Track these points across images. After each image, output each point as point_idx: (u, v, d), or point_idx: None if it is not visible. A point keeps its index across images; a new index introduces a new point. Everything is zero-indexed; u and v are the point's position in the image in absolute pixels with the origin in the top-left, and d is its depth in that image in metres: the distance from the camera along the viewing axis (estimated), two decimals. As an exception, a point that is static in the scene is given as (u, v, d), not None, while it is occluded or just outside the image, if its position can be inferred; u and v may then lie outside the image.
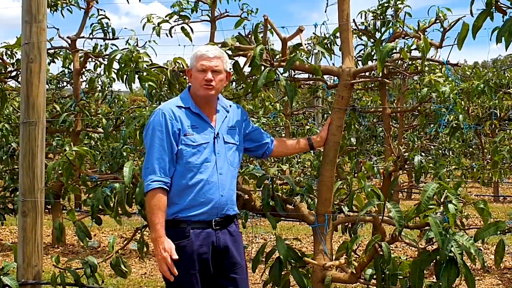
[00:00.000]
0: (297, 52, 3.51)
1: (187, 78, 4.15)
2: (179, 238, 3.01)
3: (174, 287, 3.04)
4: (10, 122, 7.47)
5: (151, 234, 3.00)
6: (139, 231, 4.06)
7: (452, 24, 3.84)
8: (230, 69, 3.32)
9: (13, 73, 7.26)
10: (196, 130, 3.08)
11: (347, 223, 3.89)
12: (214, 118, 3.18)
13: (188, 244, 3.01)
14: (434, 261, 2.95)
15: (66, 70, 9.04)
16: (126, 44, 6.38)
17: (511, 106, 9.46)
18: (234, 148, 3.22)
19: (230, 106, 3.31)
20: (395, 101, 8.30)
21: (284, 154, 3.72)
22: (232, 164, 3.18)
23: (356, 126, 6.71)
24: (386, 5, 5.98)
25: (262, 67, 3.42)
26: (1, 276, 3.87)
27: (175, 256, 2.93)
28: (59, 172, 4.55)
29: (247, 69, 3.52)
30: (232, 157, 3.19)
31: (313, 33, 5.54)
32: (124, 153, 6.04)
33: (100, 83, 8.64)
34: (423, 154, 8.46)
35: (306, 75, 3.98)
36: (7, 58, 7.14)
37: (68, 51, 7.82)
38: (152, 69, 4.02)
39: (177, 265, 2.96)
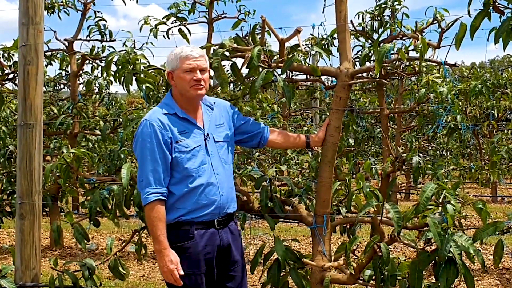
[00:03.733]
0: (295, 53, 3.51)
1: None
2: (184, 239, 3.01)
3: None
4: (7, 124, 7.46)
5: (154, 246, 2.99)
6: (137, 233, 4.05)
7: (450, 24, 3.82)
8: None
9: (10, 75, 7.26)
10: (186, 135, 3.06)
11: (345, 224, 3.88)
12: (201, 119, 3.17)
13: (192, 245, 3.01)
14: (433, 261, 2.95)
15: (63, 72, 9.03)
16: (123, 46, 6.37)
17: (509, 106, 9.46)
18: (225, 145, 3.21)
19: (215, 103, 3.29)
20: (393, 102, 8.30)
21: (279, 146, 3.65)
22: (226, 162, 3.18)
23: (354, 127, 6.71)
24: (383, 6, 5.98)
25: (260, 68, 3.42)
26: (-1, 279, 3.86)
27: (181, 272, 2.94)
28: (57, 174, 4.54)
29: (244, 70, 3.52)
30: (225, 155, 3.19)
31: (311, 34, 5.53)
32: (122, 155, 6.02)
33: (97, 85, 8.62)
34: (421, 155, 8.47)
35: (304, 76, 3.97)
36: (4, 60, 7.14)
37: (65, 53, 7.81)
38: (150, 71, 4.01)
39: (182, 266, 2.97)
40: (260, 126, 3.43)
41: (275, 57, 3.55)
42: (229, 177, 3.20)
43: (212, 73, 3.44)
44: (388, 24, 5.79)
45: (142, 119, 3.10)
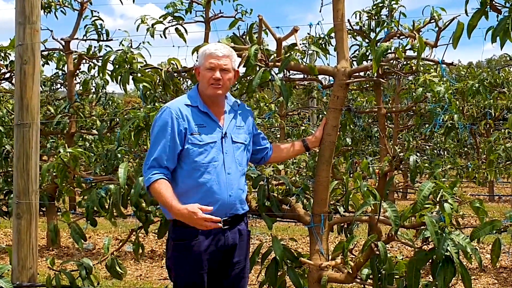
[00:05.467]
0: (292, 52, 3.51)
1: (181, 79, 4.14)
2: (188, 238, 3.00)
3: (182, 286, 3.05)
4: (4, 124, 7.44)
5: (173, 216, 2.93)
6: (134, 233, 4.05)
7: (447, 23, 3.82)
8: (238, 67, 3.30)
9: (7, 75, 7.25)
10: (203, 129, 3.06)
11: (343, 223, 3.88)
12: (222, 117, 3.16)
13: (196, 244, 3.00)
14: (431, 260, 2.96)
15: (60, 72, 9.02)
16: (120, 45, 6.37)
17: (506, 105, 9.47)
18: (243, 147, 3.19)
19: (239, 105, 3.29)
20: (390, 101, 8.30)
21: (280, 160, 3.69)
22: (240, 164, 3.16)
23: (351, 126, 6.71)
24: (380, 5, 5.98)
25: (257, 67, 3.42)
26: (-4, 279, 3.85)
27: (209, 208, 2.85)
28: (54, 174, 4.54)
29: (242, 70, 3.51)
30: (241, 157, 3.17)
31: (308, 33, 5.53)
32: (119, 155, 6.02)
33: (94, 84, 8.62)
34: (418, 154, 8.46)
35: (301, 76, 3.97)
36: (1, 59, 7.13)
37: (62, 52, 7.80)
38: (147, 70, 4.01)
39: (185, 264, 2.98)
40: (267, 142, 3.44)
41: (272, 56, 3.55)
42: (241, 179, 3.17)
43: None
44: (385, 23, 5.78)
45: (163, 106, 3.14)
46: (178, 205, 2.89)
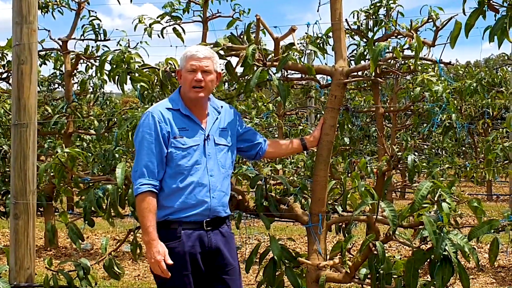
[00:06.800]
0: (290, 51, 3.50)
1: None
2: (170, 239, 3.00)
3: None
4: (1, 124, 7.43)
5: (143, 237, 2.99)
6: (132, 233, 4.04)
7: (444, 22, 3.82)
8: (222, 70, 3.30)
9: (4, 75, 7.24)
10: (186, 133, 3.06)
11: (341, 223, 3.88)
12: (205, 119, 3.15)
13: (179, 245, 3.00)
14: (429, 260, 2.95)
15: (58, 72, 9.01)
16: (117, 45, 6.37)
17: (504, 105, 9.48)
18: (226, 149, 3.18)
19: (222, 106, 3.28)
20: (388, 101, 8.31)
21: (277, 156, 3.69)
22: (223, 166, 3.15)
23: (349, 126, 6.71)
24: (378, 4, 5.98)
25: (255, 67, 3.41)
26: (-7, 280, 3.84)
27: (169, 261, 2.93)
28: (51, 174, 4.52)
29: (239, 69, 3.51)
30: (224, 159, 3.16)
31: (306, 32, 5.54)
32: (116, 155, 6.02)
33: (91, 84, 8.61)
34: (416, 153, 8.47)
35: (299, 75, 3.96)
36: (-2, 60, 7.12)
37: (59, 52, 7.79)
38: (144, 70, 3.99)
39: (169, 266, 2.95)
40: (259, 137, 3.43)
41: (270, 56, 3.54)
42: (224, 181, 3.16)
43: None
44: (383, 22, 5.79)
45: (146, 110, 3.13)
46: (153, 235, 2.95)
